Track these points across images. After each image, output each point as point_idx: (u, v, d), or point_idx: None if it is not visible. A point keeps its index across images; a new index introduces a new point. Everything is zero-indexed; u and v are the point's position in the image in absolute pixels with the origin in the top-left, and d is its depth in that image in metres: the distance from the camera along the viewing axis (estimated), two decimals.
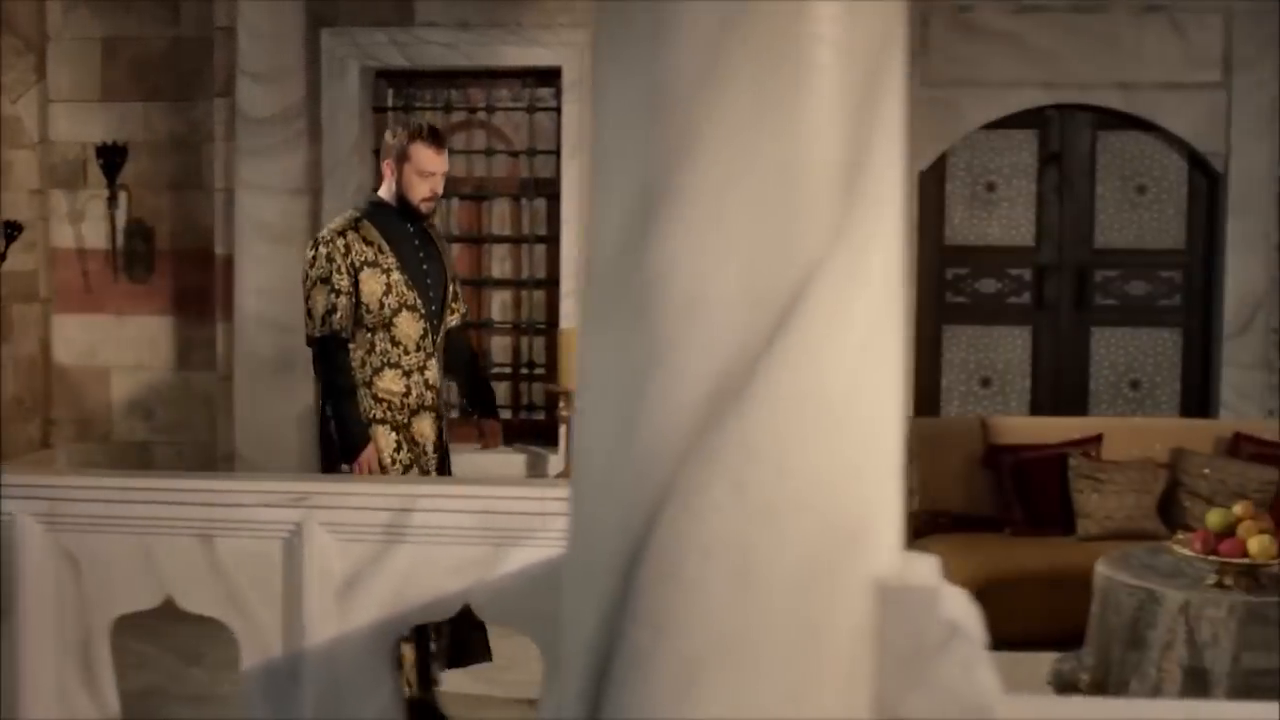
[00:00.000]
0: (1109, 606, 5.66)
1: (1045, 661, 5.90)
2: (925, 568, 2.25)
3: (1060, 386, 8.73)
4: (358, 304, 5.33)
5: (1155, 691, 5.39)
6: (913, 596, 2.16)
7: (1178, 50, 8.55)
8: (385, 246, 5.38)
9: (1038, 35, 8.56)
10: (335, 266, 5.30)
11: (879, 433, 2.16)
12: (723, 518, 2.07)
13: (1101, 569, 5.75)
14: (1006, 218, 8.80)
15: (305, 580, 3.88)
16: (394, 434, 5.42)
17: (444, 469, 5.58)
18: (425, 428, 5.50)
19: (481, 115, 8.40)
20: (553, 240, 8.26)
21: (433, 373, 5.50)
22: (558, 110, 8.09)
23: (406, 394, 5.42)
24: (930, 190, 8.77)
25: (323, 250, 5.34)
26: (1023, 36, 8.56)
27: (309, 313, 5.35)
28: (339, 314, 5.29)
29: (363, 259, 5.34)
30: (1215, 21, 8.55)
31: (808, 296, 2.06)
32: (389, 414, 5.40)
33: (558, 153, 8.07)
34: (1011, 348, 8.79)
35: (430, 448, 5.51)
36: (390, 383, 5.40)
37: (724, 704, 2.09)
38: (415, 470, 5.44)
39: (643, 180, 2.09)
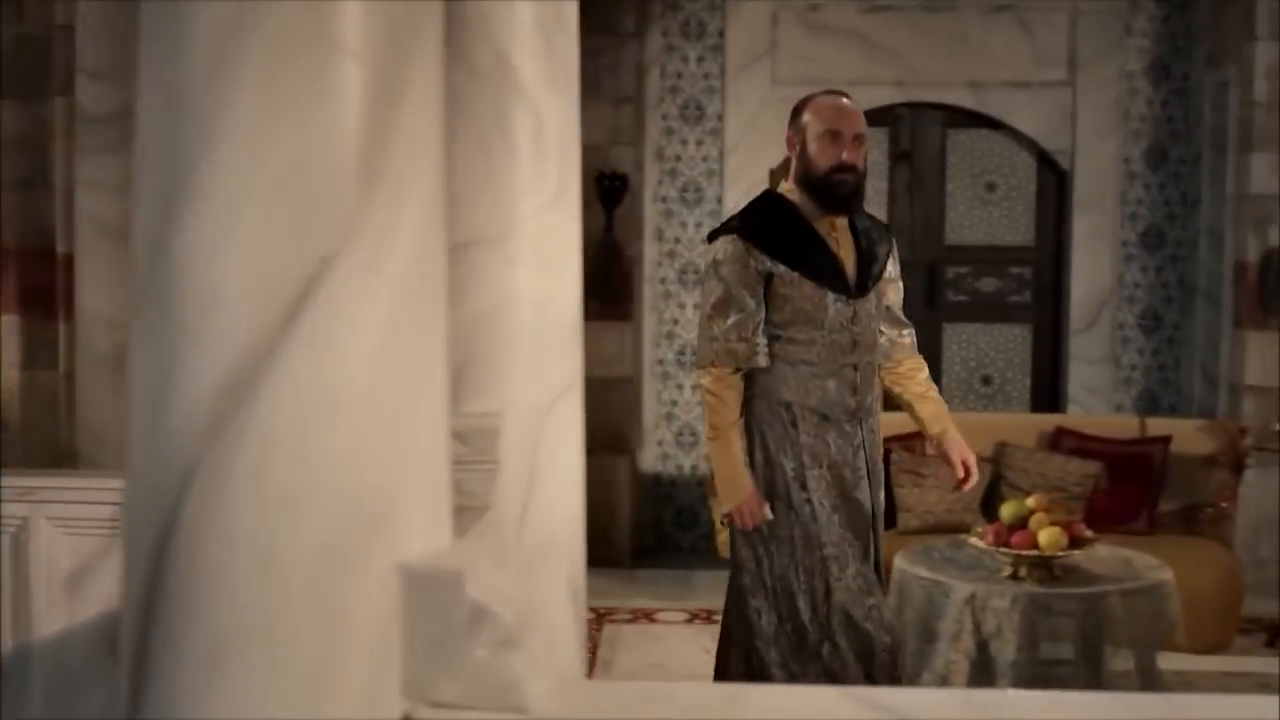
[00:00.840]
0: (904, 599, 5.71)
1: None
2: (471, 552, 2.29)
3: None
4: None
5: (943, 682, 5.46)
6: (439, 581, 2.20)
7: (1025, 49, 8.65)
8: None
9: (887, 34, 8.64)
10: None
11: (409, 421, 2.20)
12: (243, 504, 2.11)
13: (898, 562, 5.81)
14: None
15: (32, 575, 3.90)
16: None
17: None
18: None
19: None
20: None
21: None
22: None
23: None
24: None
25: None
26: (872, 36, 8.65)
27: None
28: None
29: None
30: (1061, 21, 8.65)
31: (321, 288, 2.09)
32: None
33: None
34: None
35: None
36: None
37: (246, 688, 2.12)
38: None
39: (166, 174, 2.14)
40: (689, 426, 8.75)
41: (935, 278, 8.82)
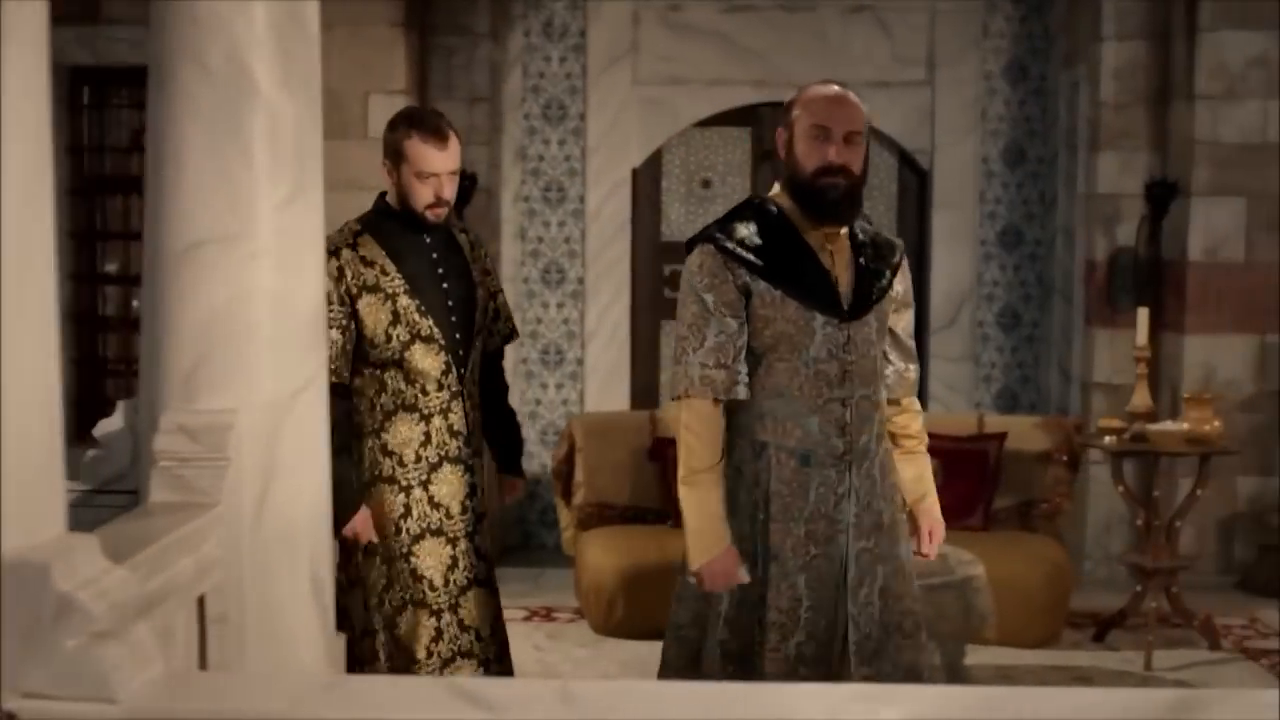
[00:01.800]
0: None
1: None
2: (70, 544, 2.31)
3: None
4: (360, 338, 4.37)
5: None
6: (27, 572, 2.23)
7: (884, 49, 8.72)
8: (389, 266, 4.40)
9: (747, 34, 8.70)
10: (327, 296, 4.10)
11: (14, 418, 2.22)
12: None
13: None
14: (722, 214, 8.88)
15: None
16: (402, 496, 4.41)
17: (475, 533, 4.52)
18: (449, 486, 4.45)
19: None
20: None
21: (458, 417, 4.46)
22: None
23: (425, 443, 4.43)
24: (646, 187, 8.88)
25: None
26: (732, 36, 8.70)
27: None
28: (332, 352, 4.25)
29: (361, 283, 4.36)
30: (920, 21, 8.72)
31: None
32: (397, 471, 4.41)
33: None
34: None
35: (456, 508, 4.46)
36: (404, 430, 4.42)
37: None
38: (433, 540, 4.45)
39: None
40: (553, 425, 8.78)
41: None
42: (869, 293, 3.89)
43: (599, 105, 8.73)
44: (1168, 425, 6.66)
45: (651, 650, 6.40)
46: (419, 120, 4.42)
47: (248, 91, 3.65)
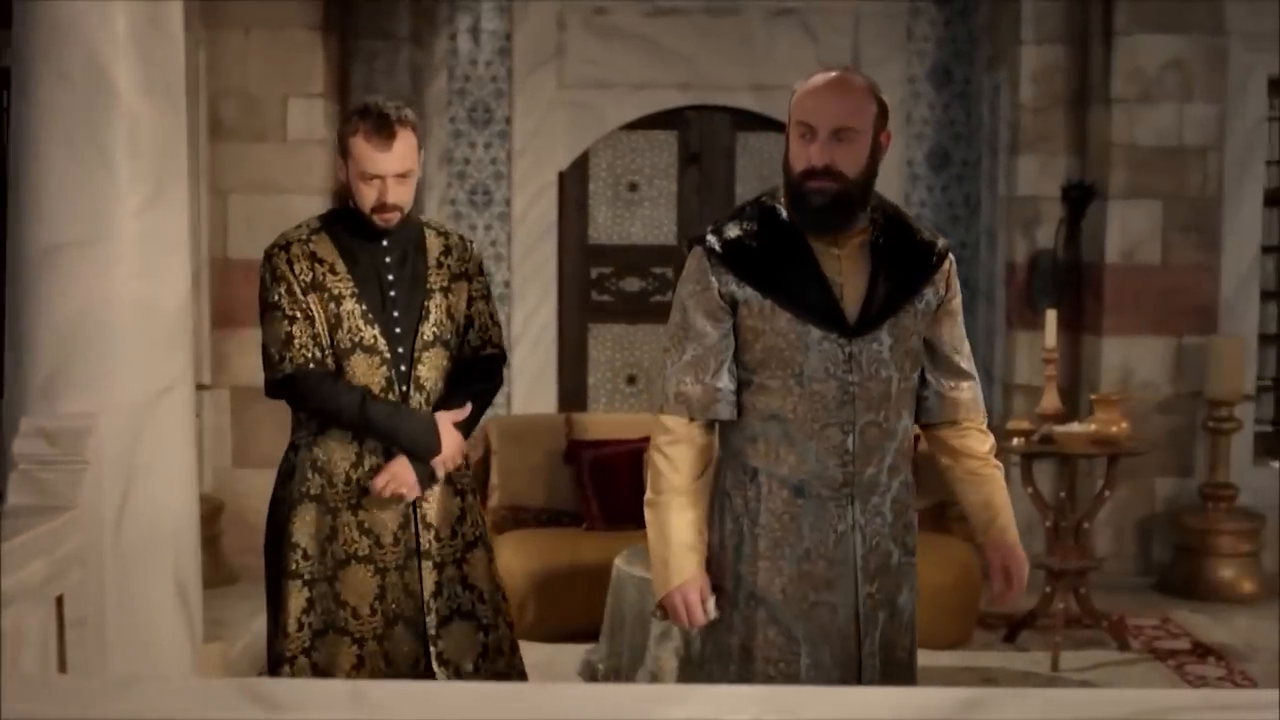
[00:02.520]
0: (620, 598, 5.78)
1: None
2: None
3: None
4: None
5: (653, 679, 5.52)
6: None
7: (809, 52, 8.72)
8: (340, 266, 4.06)
9: (673, 37, 8.71)
10: (284, 286, 3.97)
11: None
12: None
13: (618, 562, 5.87)
14: (649, 217, 8.94)
15: None
16: (329, 517, 4.04)
17: (414, 564, 4.12)
18: (383, 512, 4.07)
19: None
20: None
21: None
22: None
23: (357, 464, 4.06)
24: (573, 190, 8.89)
25: (265, 269, 4.00)
26: (658, 39, 8.71)
27: (264, 353, 4.01)
28: (299, 341, 3.97)
29: (309, 279, 4.01)
30: (845, 24, 8.74)
31: None
32: (326, 490, 4.03)
33: None
34: (656, 346, 8.93)
35: (388, 537, 4.07)
36: (335, 447, 4.04)
37: None
38: (359, 567, 4.06)
39: None
40: (481, 428, 8.77)
41: None
42: (882, 304, 3.38)
43: (525, 109, 8.74)
44: (1074, 427, 6.69)
45: (562, 653, 6.45)
46: (367, 115, 3.99)
47: (107, 96, 3.67)
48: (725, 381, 3.41)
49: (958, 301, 3.57)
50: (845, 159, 3.29)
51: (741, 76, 8.73)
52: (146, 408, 3.70)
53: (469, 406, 4.14)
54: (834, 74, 3.40)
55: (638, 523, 6.91)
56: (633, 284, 8.94)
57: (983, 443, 3.59)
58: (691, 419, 3.43)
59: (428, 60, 8.61)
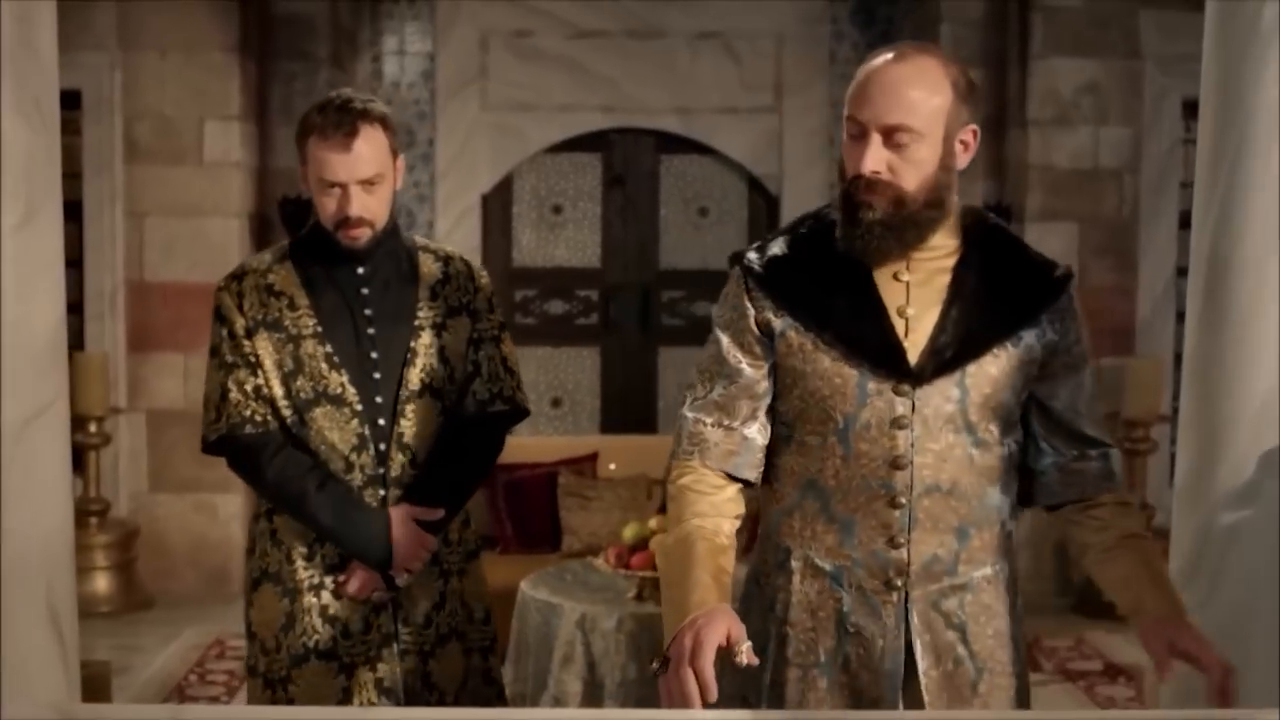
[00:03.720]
0: (525, 621, 5.75)
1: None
2: None
3: (629, 406, 8.88)
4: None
5: (556, 704, 5.49)
6: None
7: (733, 76, 8.76)
8: (301, 299, 3.37)
9: (596, 60, 8.73)
10: (226, 329, 3.36)
11: None
12: None
13: (523, 585, 5.84)
14: (573, 240, 8.95)
15: None
16: (286, 601, 3.39)
17: (384, 654, 3.41)
18: (351, 598, 3.40)
19: None
20: (75, 263, 8.22)
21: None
22: (78, 133, 8.07)
23: (321, 540, 3.39)
24: (496, 213, 8.88)
25: (214, 306, 3.42)
26: (582, 61, 8.72)
27: (203, 405, 3.44)
28: (234, 396, 3.34)
29: (260, 317, 3.35)
30: (768, 48, 8.77)
31: None
32: (284, 569, 3.39)
33: (79, 175, 8.05)
34: (581, 368, 8.93)
35: (358, 625, 3.39)
36: (295, 521, 3.39)
37: None
38: (319, 665, 3.38)
39: None
40: None
41: (650, 302, 8.90)
42: (958, 345, 2.64)
43: (448, 131, 8.73)
44: None
45: None
46: (325, 109, 3.34)
47: None
48: (755, 432, 2.67)
49: (1082, 349, 2.77)
50: (902, 165, 2.57)
51: (665, 99, 8.75)
52: (16, 432, 3.64)
53: (441, 511, 3.37)
54: (890, 54, 2.61)
55: (551, 546, 6.99)
56: (557, 307, 8.94)
57: (1122, 515, 2.77)
58: (706, 467, 2.64)
59: (348, 82, 8.58)
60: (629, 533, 5.82)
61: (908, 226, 2.60)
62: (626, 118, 8.79)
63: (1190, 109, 7.92)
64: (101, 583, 7.40)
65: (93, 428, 7.37)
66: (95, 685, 5.03)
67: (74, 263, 8.07)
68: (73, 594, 3.93)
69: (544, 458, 7.14)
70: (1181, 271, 8.01)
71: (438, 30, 8.70)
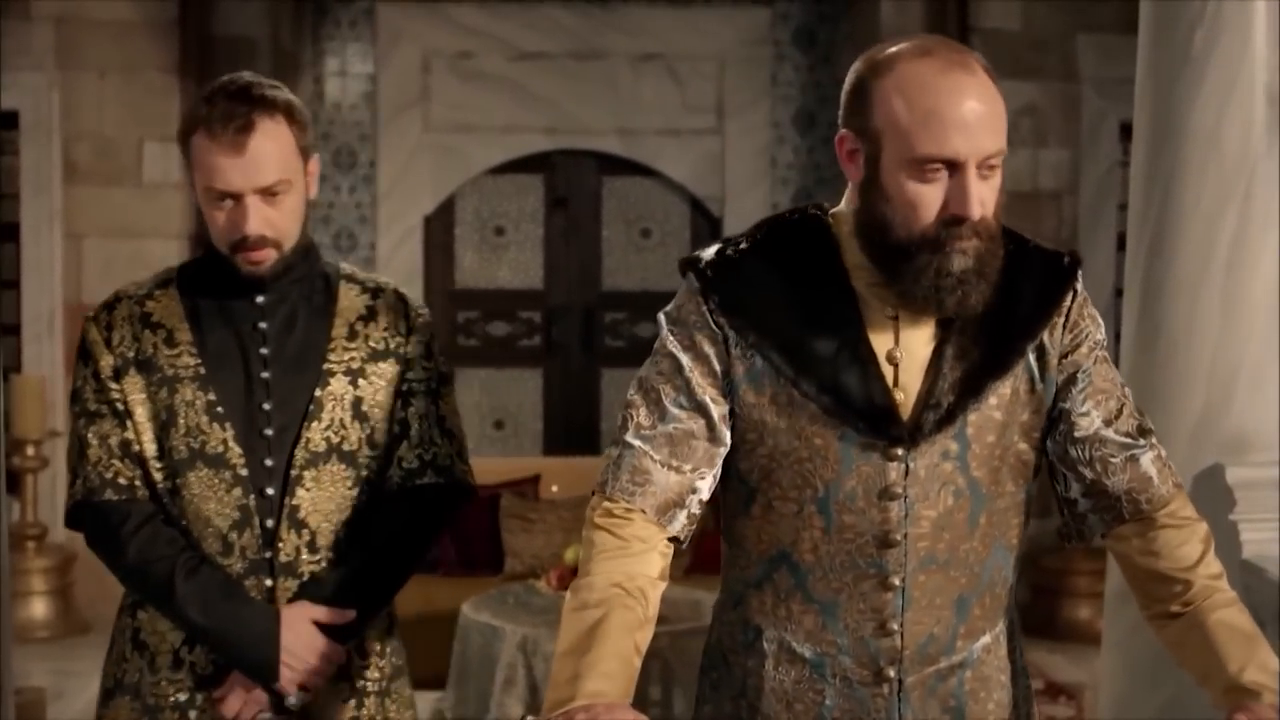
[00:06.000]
0: (466, 644, 5.74)
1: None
2: None
3: (572, 427, 8.88)
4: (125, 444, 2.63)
5: None
6: None
7: (675, 98, 8.78)
8: (183, 334, 2.65)
9: (538, 82, 8.73)
10: (91, 369, 2.65)
11: None
12: None
13: (464, 608, 5.83)
14: (516, 261, 8.94)
15: None
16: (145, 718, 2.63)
17: None
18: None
19: None
20: (13, 285, 8.14)
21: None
22: (16, 154, 8.00)
23: (189, 640, 2.63)
24: (438, 234, 8.86)
25: (80, 339, 2.71)
26: (523, 83, 8.73)
27: (67, 465, 2.70)
28: (94, 453, 2.61)
29: (132, 355, 2.64)
30: (710, 69, 8.80)
31: None
32: (144, 678, 2.64)
33: (17, 196, 7.98)
34: (524, 390, 8.92)
35: None
36: (161, 615, 2.63)
37: None
38: None
39: None
40: None
41: (592, 323, 8.90)
42: (956, 391, 2.14)
43: (390, 152, 8.71)
44: None
45: (419, 698, 6.38)
46: (214, 99, 2.55)
47: None
48: (705, 487, 2.15)
49: (1101, 349, 2.29)
50: (990, 197, 2.07)
51: (607, 121, 8.76)
52: None
53: (351, 613, 2.59)
54: (959, 69, 2.05)
55: (493, 568, 6.98)
56: (499, 328, 8.93)
57: (1189, 542, 2.19)
58: (642, 512, 2.10)
59: None
60: (571, 555, 5.84)
61: (992, 267, 2.09)
62: (569, 139, 8.80)
63: (1128, 131, 7.94)
64: (39, 607, 7.31)
65: (30, 451, 7.29)
66: (30, 712, 4.98)
67: (12, 284, 8.00)
68: (8, 619, 3.89)
69: (486, 480, 7.10)
70: (1119, 293, 8.05)
71: (379, 52, 8.68)
